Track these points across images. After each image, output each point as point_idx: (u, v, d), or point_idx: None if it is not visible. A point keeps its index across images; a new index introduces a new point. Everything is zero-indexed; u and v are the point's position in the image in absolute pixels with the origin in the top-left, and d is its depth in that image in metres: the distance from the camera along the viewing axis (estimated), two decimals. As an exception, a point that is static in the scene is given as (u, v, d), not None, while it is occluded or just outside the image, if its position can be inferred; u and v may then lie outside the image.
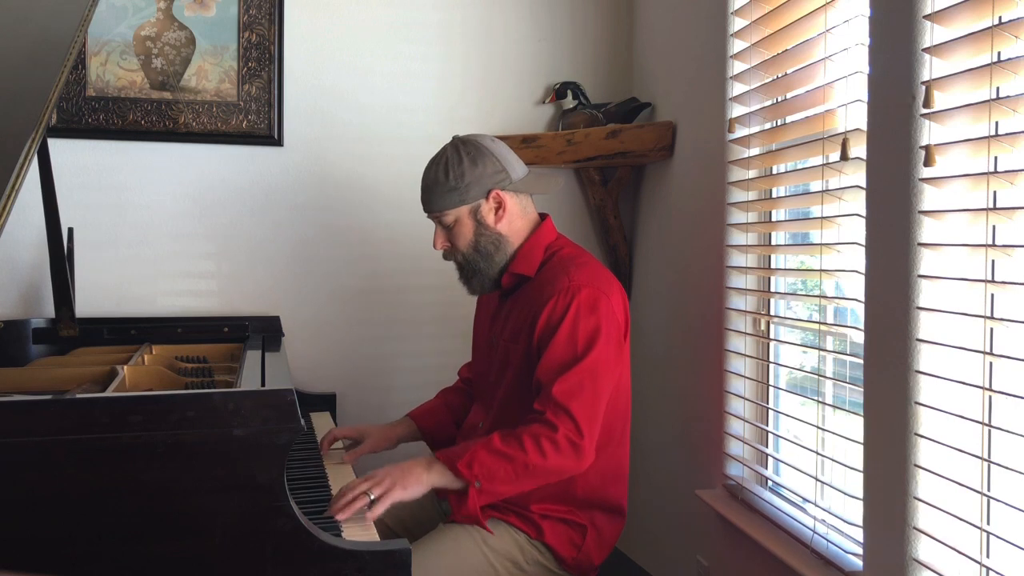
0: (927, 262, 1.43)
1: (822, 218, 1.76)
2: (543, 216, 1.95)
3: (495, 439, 1.67)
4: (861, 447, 1.59)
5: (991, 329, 1.37)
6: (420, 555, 1.61)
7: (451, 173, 1.81)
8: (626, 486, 1.91)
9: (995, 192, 1.37)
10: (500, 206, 1.84)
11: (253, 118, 2.56)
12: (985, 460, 1.37)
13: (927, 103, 1.40)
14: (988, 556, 1.39)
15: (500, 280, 1.89)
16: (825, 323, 1.79)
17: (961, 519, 1.37)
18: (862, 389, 1.58)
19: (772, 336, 2.06)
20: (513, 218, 1.86)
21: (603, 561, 1.88)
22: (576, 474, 1.73)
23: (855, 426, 1.63)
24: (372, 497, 1.58)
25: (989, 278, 1.37)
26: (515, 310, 1.87)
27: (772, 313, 2.07)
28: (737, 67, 2.11)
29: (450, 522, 1.80)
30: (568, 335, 1.72)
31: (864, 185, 1.58)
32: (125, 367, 1.86)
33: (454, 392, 2.15)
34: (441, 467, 1.67)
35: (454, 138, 1.89)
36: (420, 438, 2.05)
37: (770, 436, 2.05)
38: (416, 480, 1.64)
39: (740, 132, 2.10)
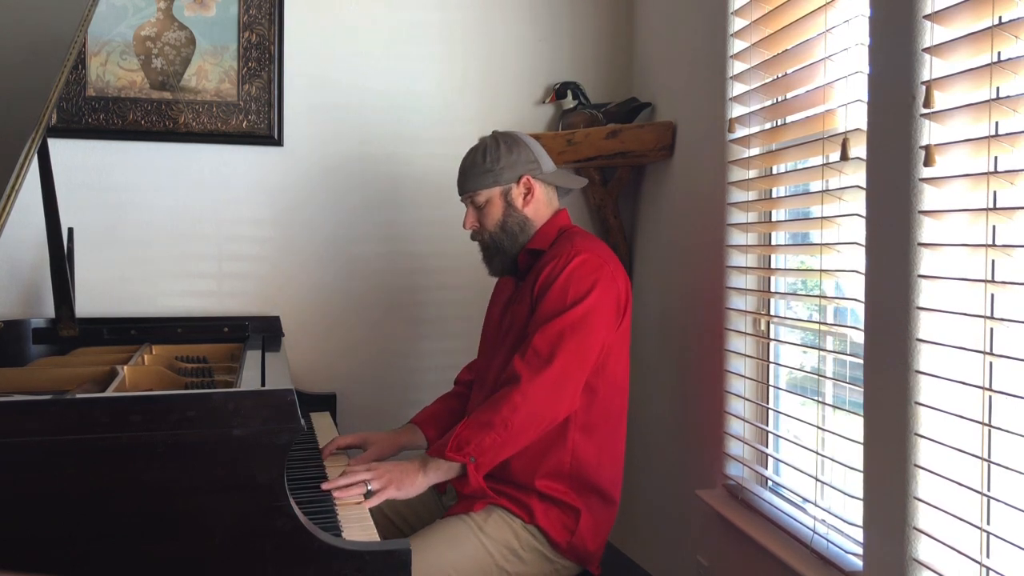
0: (927, 262, 1.43)
1: (822, 218, 1.76)
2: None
3: (474, 414, 1.77)
4: (861, 447, 1.59)
5: (991, 329, 1.37)
6: (419, 547, 1.65)
7: (488, 157, 1.97)
8: (621, 472, 1.95)
9: (995, 192, 1.37)
10: (529, 191, 1.98)
11: (253, 118, 2.56)
12: (985, 460, 1.37)
13: (927, 103, 1.40)
14: (988, 556, 1.39)
15: (517, 260, 1.99)
16: (825, 323, 1.79)
17: (961, 519, 1.36)
18: (862, 389, 1.58)
19: (772, 336, 2.06)
20: (539, 205, 1.99)
21: (599, 550, 1.90)
22: (556, 415, 1.78)
23: (855, 426, 1.63)
24: (370, 488, 1.68)
25: (989, 278, 1.37)
26: (526, 284, 1.95)
27: (772, 313, 2.07)
28: (737, 67, 2.11)
29: (448, 515, 1.84)
30: (560, 290, 1.82)
31: (864, 185, 1.58)
32: (125, 367, 1.86)
33: (454, 397, 2.17)
34: (435, 463, 1.76)
35: (493, 132, 2.05)
36: (424, 445, 2.06)
37: (770, 436, 2.05)
38: (411, 483, 1.74)
39: (740, 132, 2.10)
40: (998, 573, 1.32)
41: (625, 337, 1.92)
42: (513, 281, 2.06)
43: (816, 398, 1.80)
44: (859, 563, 1.60)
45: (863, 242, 1.58)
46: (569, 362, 1.77)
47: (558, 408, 1.78)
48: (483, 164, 1.96)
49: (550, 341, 1.77)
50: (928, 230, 1.43)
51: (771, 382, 2.05)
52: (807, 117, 1.83)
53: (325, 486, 1.66)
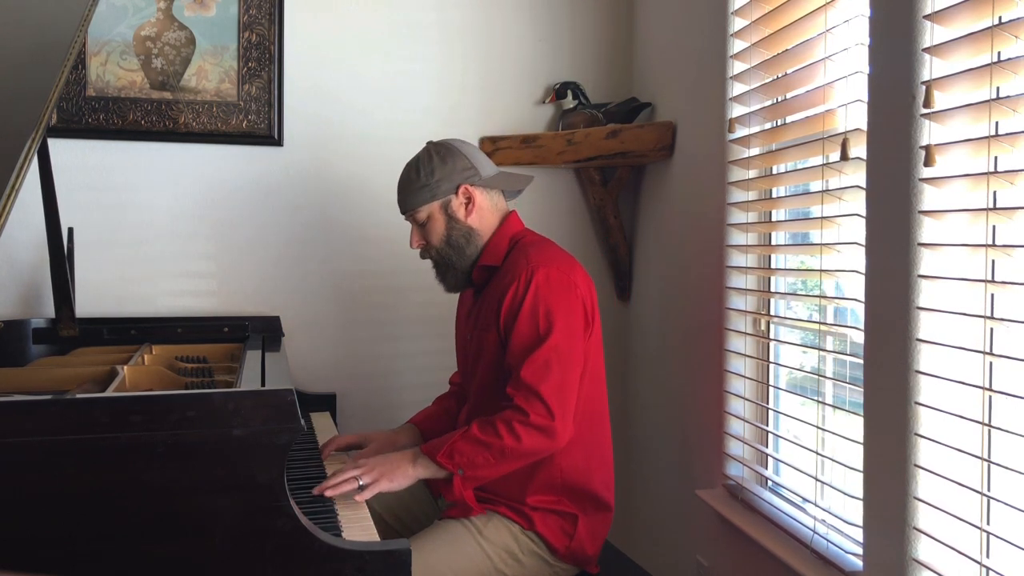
0: (927, 262, 1.43)
1: (822, 218, 1.76)
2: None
3: (474, 427, 1.74)
4: (861, 447, 1.59)
5: (991, 329, 1.37)
6: (418, 550, 1.64)
7: (422, 171, 1.90)
8: (611, 472, 1.94)
9: (995, 192, 1.37)
10: (470, 200, 1.91)
11: (253, 118, 2.56)
12: (985, 460, 1.37)
13: (927, 103, 1.40)
14: (988, 556, 1.39)
15: (472, 275, 1.95)
16: (825, 323, 1.79)
17: (961, 519, 1.37)
18: (862, 389, 1.58)
19: (772, 336, 2.06)
20: (483, 213, 1.93)
21: (597, 553, 1.90)
22: (555, 450, 1.77)
23: (855, 426, 1.63)
24: (361, 483, 1.68)
25: (989, 278, 1.37)
26: (485, 301, 1.91)
27: (772, 313, 2.07)
28: (737, 67, 2.11)
29: (446, 517, 1.84)
30: (530, 316, 1.78)
31: (864, 185, 1.58)
32: (125, 367, 1.86)
33: (450, 397, 2.17)
34: (425, 460, 1.75)
35: (427, 143, 1.98)
36: (421, 444, 2.05)
37: (770, 436, 2.05)
38: (402, 474, 1.73)
39: (740, 132, 2.10)
40: (998, 573, 1.32)
41: (598, 338, 1.89)
42: (472, 292, 2.02)
43: (816, 398, 1.80)
44: (859, 563, 1.60)
45: (863, 242, 1.58)
46: (564, 393, 1.75)
47: (560, 441, 1.75)
48: (418, 180, 1.89)
49: (538, 374, 1.73)
50: (928, 230, 1.43)
51: (771, 382, 2.05)
52: (807, 117, 1.83)
53: (316, 490, 1.64)
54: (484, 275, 1.94)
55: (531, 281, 1.79)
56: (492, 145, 2.64)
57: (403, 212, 1.95)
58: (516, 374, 1.75)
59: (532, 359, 1.74)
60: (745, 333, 2.10)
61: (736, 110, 2.13)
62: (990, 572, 1.34)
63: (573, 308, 1.81)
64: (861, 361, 1.59)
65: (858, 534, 1.61)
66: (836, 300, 1.77)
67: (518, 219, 1.99)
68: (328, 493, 1.64)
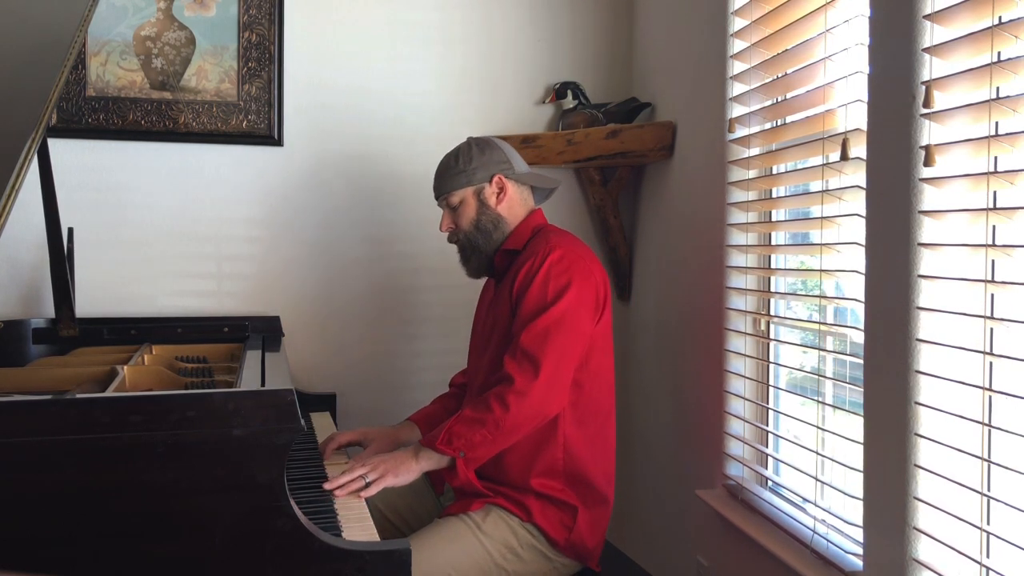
0: (927, 262, 1.43)
1: (822, 218, 1.76)
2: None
3: (466, 410, 1.79)
4: (861, 447, 1.59)
5: (991, 329, 1.37)
6: (418, 547, 1.66)
7: (461, 159, 2.00)
8: (613, 466, 1.96)
9: (995, 192, 1.37)
10: (502, 190, 2.00)
11: (253, 118, 2.56)
12: (985, 460, 1.37)
13: (927, 103, 1.40)
14: (988, 556, 1.39)
15: (494, 260, 2.01)
16: (825, 323, 1.80)
17: (961, 519, 1.37)
18: (862, 389, 1.58)
19: (772, 336, 2.06)
20: (513, 204, 2.01)
21: (598, 547, 1.91)
22: (547, 417, 1.81)
23: (855, 426, 1.63)
24: (368, 480, 1.71)
25: (989, 278, 1.37)
26: (505, 286, 1.97)
27: (772, 313, 2.07)
28: (737, 67, 2.11)
29: (447, 515, 1.85)
30: (540, 287, 1.85)
31: (864, 185, 1.58)
32: (125, 367, 1.86)
33: (450, 398, 2.19)
34: (427, 452, 1.78)
35: (468, 137, 2.07)
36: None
37: (770, 436, 2.05)
38: (407, 469, 1.76)
39: (740, 132, 2.10)
40: (998, 573, 1.32)
41: (607, 331, 1.94)
42: (494, 283, 2.08)
43: (816, 398, 1.80)
44: (859, 563, 1.60)
45: (863, 242, 1.58)
46: (558, 360, 1.79)
47: (549, 407, 1.80)
48: (456, 166, 1.99)
49: (536, 340, 1.79)
50: (928, 230, 1.43)
51: (771, 382, 2.06)
52: (807, 117, 1.83)
53: (327, 486, 1.67)
54: (506, 260, 2.00)
55: (547, 258, 1.87)
56: (492, 145, 2.64)
57: (437, 196, 2.04)
58: (516, 340, 1.81)
59: (533, 325, 1.80)
60: (745, 333, 2.11)
61: (736, 110, 2.13)
62: (990, 572, 1.34)
63: (584, 290, 1.85)
64: (861, 361, 1.59)
65: (858, 534, 1.61)
66: (836, 300, 1.77)
67: (543, 215, 2.07)
68: (338, 493, 1.66)
